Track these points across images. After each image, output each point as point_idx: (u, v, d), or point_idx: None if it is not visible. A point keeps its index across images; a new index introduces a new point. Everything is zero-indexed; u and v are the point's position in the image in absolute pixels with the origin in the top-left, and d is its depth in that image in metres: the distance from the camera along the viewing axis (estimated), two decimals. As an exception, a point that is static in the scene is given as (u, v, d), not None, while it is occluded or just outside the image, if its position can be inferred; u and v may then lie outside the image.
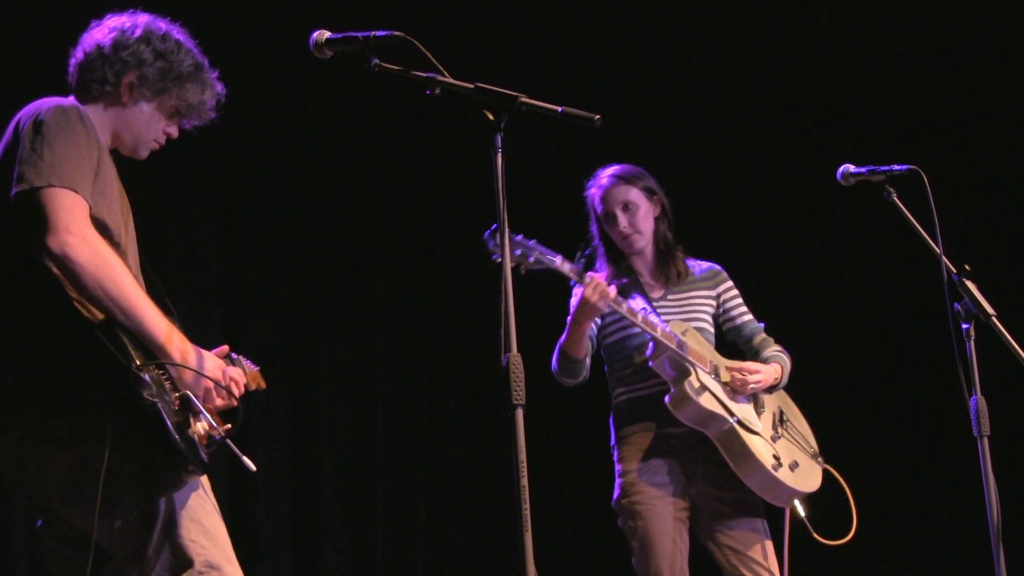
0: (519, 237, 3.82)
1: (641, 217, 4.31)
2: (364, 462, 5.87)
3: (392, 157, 6.13)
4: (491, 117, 2.85)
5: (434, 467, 6.09)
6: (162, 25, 3.05)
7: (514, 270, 3.81)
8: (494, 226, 3.55)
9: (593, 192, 4.37)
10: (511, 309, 2.79)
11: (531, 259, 3.82)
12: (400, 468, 5.96)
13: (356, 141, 6.05)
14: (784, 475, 4.19)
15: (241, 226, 5.70)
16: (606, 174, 4.37)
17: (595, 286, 3.95)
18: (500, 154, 2.83)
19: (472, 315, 6.14)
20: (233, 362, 3.06)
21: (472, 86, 2.87)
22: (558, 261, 3.91)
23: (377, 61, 2.91)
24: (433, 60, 2.87)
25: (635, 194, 4.32)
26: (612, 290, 3.99)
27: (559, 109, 2.86)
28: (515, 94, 2.85)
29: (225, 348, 3.07)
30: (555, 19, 6.43)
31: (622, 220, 4.30)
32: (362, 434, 5.88)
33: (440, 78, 2.89)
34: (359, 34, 2.92)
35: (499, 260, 3.55)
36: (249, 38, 5.67)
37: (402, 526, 5.93)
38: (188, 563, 2.77)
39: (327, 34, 2.97)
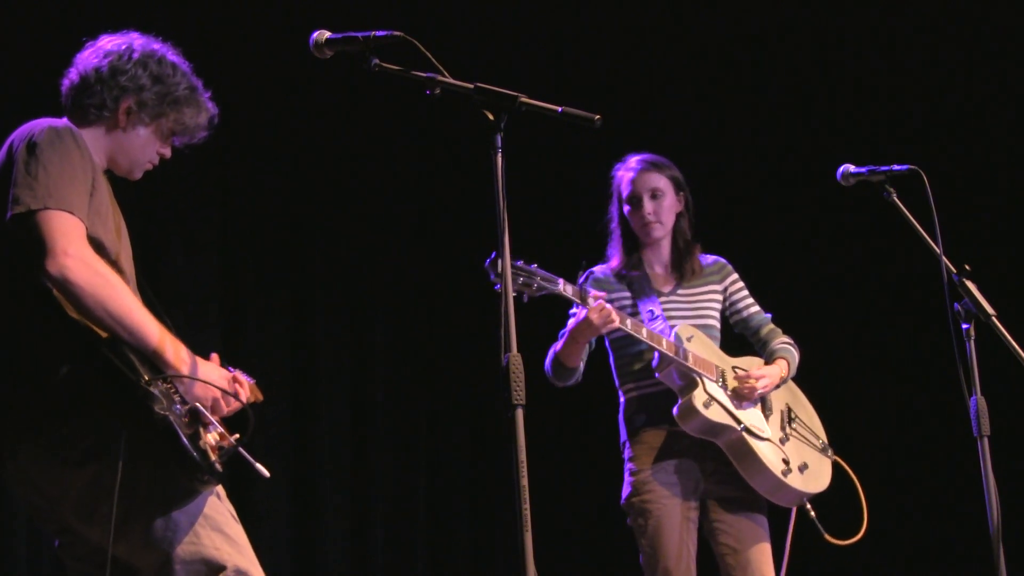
0: (519, 263, 3.79)
1: (666, 207, 4.31)
2: (364, 462, 5.86)
3: (392, 157, 6.13)
4: (491, 117, 2.85)
5: (434, 467, 6.09)
6: (157, 47, 3.04)
7: (517, 297, 3.81)
8: (493, 254, 3.57)
9: (622, 175, 4.36)
10: (511, 309, 2.79)
11: (534, 286, 3.82)
12: (400, 468, 5.96)
13: (356, 141, 6.05)
14: (793, 479, 4.18)
15: (240, 227, 5.70)
16: (637, 159, 4.36)
17: (599, 309, 3.94)
18: (500, 154, 2.83)
19: (472, 315, 6.14)
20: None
21: (472, 86, 2.87)
22: (560, 285, 3.90)
23: (377, 61, 2.91)
24: (433, 60, 2.87)
25: (664, 183, 4.31)
26: (615, 313, 3.97)
27: (559, 109, 2.87)
28: (515, 94, 2.85)
29: (216, 357, 3.06)
30: (555, 19, 6.43)
31: (648, 206, 4.29)
32: (362, 434, 5.88)
33: (440, 78, 2.89)
34: (359, 34, 2.92)
35: (500, 290, 3.58)
36: (249, 38, 5.67)
37: (402, 526, 5.93)
38: (219, 568, 2.79)
39: (327, 34, 2.97)
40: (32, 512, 2.94)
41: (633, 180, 4.31)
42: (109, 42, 3.03)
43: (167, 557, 2.77)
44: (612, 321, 3.95)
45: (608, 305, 3.97)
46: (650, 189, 4.30)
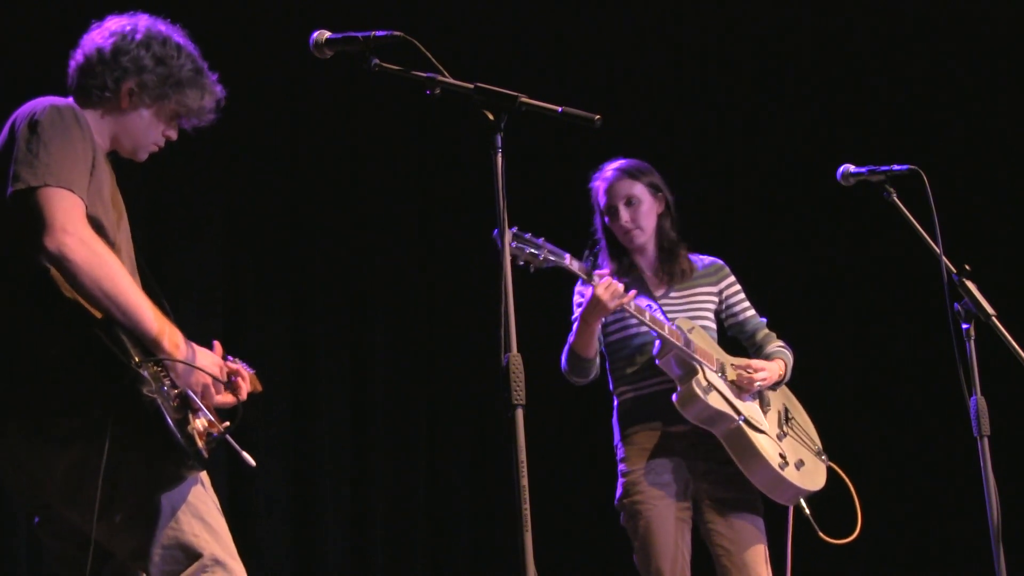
0: (528, 235, 3.82)
1: (644, 213, 4.30)
2: (364, 463, 5.86)
3: (392, 157, 6.13)
4: (491, 117, 2.85)
5: (434, 467, 6.09)
6: (163, 28, 3.04)
7: (523, 268, 3.82)
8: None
9: (597, 185, 4.36)
10: (511, 309, 2.79)
11: (541, 257, 3.83)
12: (400, 468, 5.96)
13: (356, 141, 6.05)
14: (790, 474, 4.18)
15: (242, 226, 5.70)
16: (611, 167, 4.35)
17: (607, 285, 3.94)
18: (500, 154, 2.83)
19: (472, 315, 6.14)
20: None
21: (472, 86, 2.87)
22: (567, 259, 3.91)
23: (377, 61, 2.92)
24: (433, 60, 2.87)
25: (639, 189, 4.31)
26: (622, 289, 3.98)
27: (559, 109, 2.87)
28: (515, 94, 2.85)
29: (217, 345, 3.06)
30: (555, 19, 6.43)
31: (624, 215, 4.28)
32: (362, 435, 5.88)
33: (440, 78, 2.89)
34: (359, 34, 2.92)
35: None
36: (249, 38, 5.67)
37: (402, 526, 5.93)
38: (196, 555, 2.78)
39: (327, 34, 2.97)
40: (13, 489, 2.93)
41: (607, 190, 4.31)
42: (116, 23, 3.03)
43: (145, 542, 2.76)
44: (621, 297, 3.95)
45: (614, 281, 3.97)
46: (624, 197, 4.29)
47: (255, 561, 5.40)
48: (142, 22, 3.03)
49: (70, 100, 2.92)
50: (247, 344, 5.59)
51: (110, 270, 2.70)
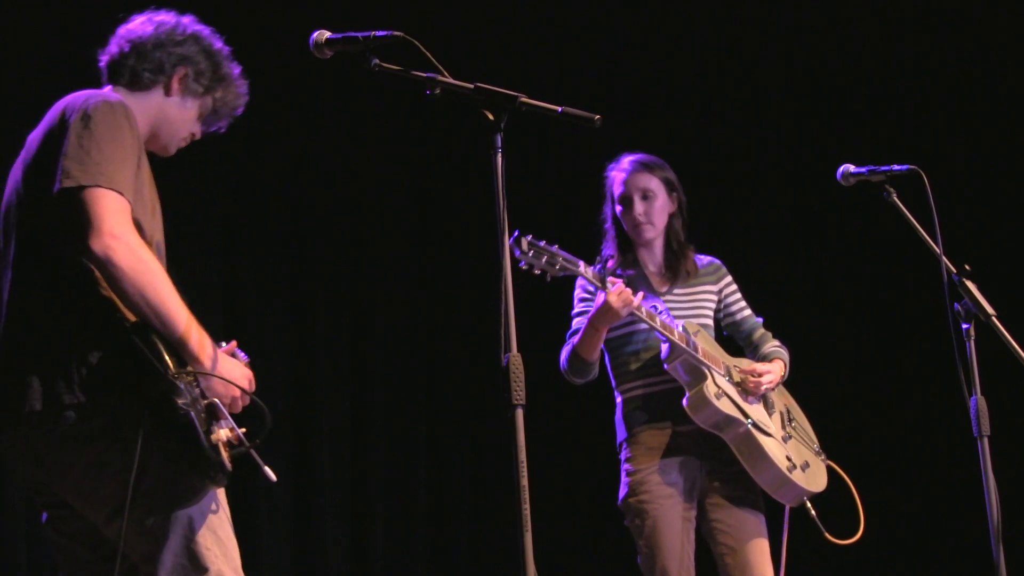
0: (543, 243, 3.79)
1: (657, 208, 4.30)
2: (364, 462, 5.87)
3: (393, 157, 6.13)
4: (491, 117, 2.85)
5: (434, 467, 6.09)
6: (202, 28, 3.08)
7: (540, 277, 3.82)
8: (516, 232, 3.57)
9: (614, 175, 4.36)
10: (511, 309, 2.79)
11: (557, 266, 3.82)
12: (400, 468, 5.96)
13: (357, 140, 6.05)
14: (797, 476, 4.19)
15: (242, 226, 5.70)
16: (629, 159, 4.36)
17: (619, 292, 3.94)
18: (500, 154, 2.83)
19: (472, 315, 6.14)
20: (234, 356, 3.07)
21: (472, 86, 2.87)
22: (581, 266, 3.90)
23: (377, 61, 2.92)
24: (433, 60, 2.87)
25: (656, 184, 4.31)
26: (636, 296, 3.97)
27: (559, 109, 2.87)
28: (515, 94, 2.85)
29: (234, 344, 3.06)
30: (555, 19, 6.43)
31: (638, 207, 4.28)
32: (362, 435, 5.88)
33: (440, 78, 2.89)
34: (359, 34, 2.92)
35: (525, 267, 3.63)
36: (249, 39, 5.66)
37: (402, 526, 5.93)
38: (203, 569, 2.77)
39: (327, 34, 2.97)
40: (27, 483, 2.92)
41: (625, 180, 4.31)
42: (158, 16, 3.05)
43: (157, 548, 2.75)
44: (633, 304, 3.94)
45: (627, 288, 3.96)
46: (641, 189, 4.29)
47: (255, 562, 5.41)
48: (185, 19, 3.06)
49: (119, 96, 2.89)
50: (247, 345, 5.57)
51: (154, 277, 2.70)
